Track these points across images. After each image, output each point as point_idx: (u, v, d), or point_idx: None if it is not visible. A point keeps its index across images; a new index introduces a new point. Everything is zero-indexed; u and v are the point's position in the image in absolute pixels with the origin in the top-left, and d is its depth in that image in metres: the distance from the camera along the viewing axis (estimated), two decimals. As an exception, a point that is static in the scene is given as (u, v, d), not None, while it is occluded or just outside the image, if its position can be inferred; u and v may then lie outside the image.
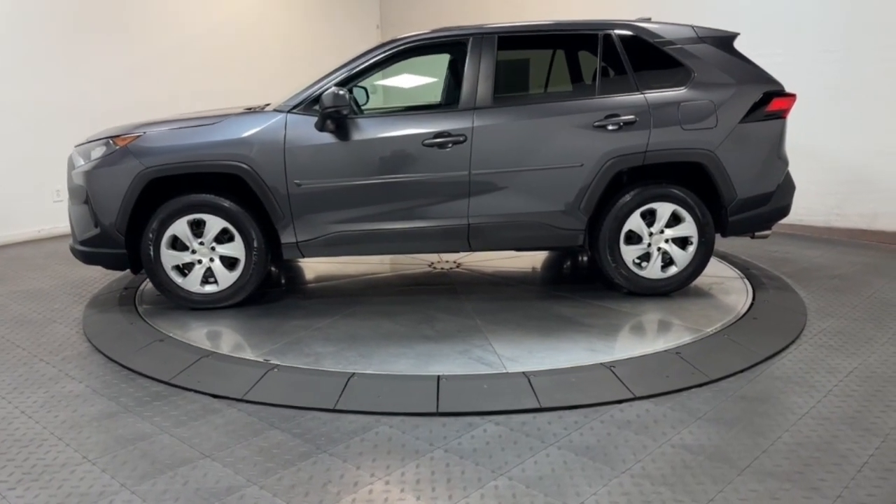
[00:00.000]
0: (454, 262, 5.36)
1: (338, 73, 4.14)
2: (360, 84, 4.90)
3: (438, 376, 3.09)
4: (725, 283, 4.67)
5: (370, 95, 5.41)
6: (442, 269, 5.21)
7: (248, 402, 2.98)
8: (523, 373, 3.14)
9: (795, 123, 4.81)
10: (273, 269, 5.28)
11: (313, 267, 5.33)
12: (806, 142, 6.32)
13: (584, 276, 5.03)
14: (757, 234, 4.48)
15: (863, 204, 6.37)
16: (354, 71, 4.14)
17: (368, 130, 4.07)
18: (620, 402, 2.94)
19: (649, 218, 4.27)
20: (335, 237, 4.12)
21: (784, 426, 2.73)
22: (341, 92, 3.88)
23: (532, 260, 5.48)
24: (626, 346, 3.50)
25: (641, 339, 3.64)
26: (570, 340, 3.57)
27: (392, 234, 4.14)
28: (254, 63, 8.70)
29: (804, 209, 6.45)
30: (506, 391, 2.99)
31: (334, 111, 3.90)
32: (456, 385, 3.03)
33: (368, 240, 4.15)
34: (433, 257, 5.46)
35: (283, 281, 5.00)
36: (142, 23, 7.56)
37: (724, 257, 5.44)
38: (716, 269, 4.95)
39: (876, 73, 6.10)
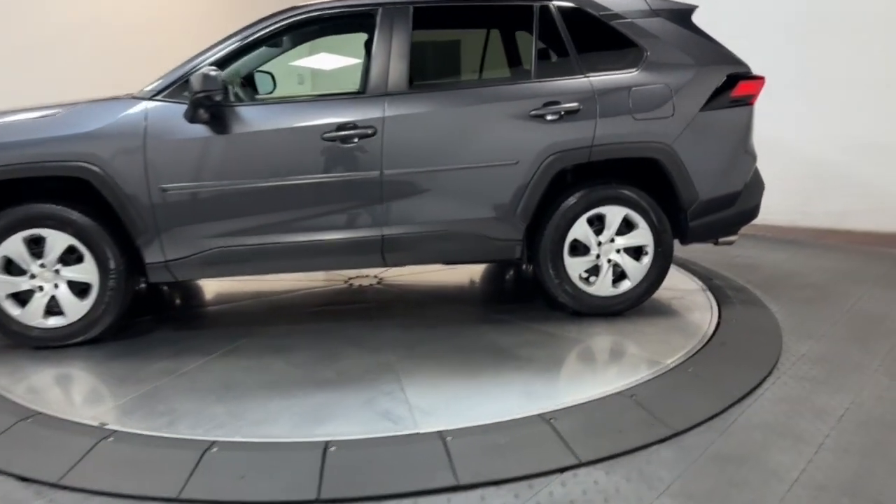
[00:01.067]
0: (375, 276, 4.68)
1: (214, 51, 3.41)
2: (262, 68, 4.23)
3: (326, 443, 2.41)
4: (686, 298, 4.11)
5: (302, 82, 4.73)
6: (360, 285, 4.52)
7: (64, 487, 2.25)
8: (439, 433, 2.48)
9: (756, 112, 4.29)
10: (161, 289, 4.51)
11: (212, 286, 4.59)
12: (768, 133, 5.81)
13: (530, 291, 4.42)
14: (721, 240, 3.93)
15: (830, 201, 5.94)
16: (234, 48, 3.42)
17: (254, 122, 3.36)
18: (563, 471, 2.31)
19: (598, 225, 3.67)
20: (215, 254, 3.39)
21: (770, 501, 2.15)
22: (213, 73, 3.16)
23: (469, 271, 4.85)
24: (570, 388, 2.88)
25: (589, 376, 3.03)
26: (503, 381, 2.93)
27: (288, 250, 3.44)
28: (164, 52, 7.83)
29: (766, 207, 5.94)
30: (414, 461, 2.33)
31: (205, 97, 3.18)
32: (348, 456, 2.35)
33: (258, 257, 3.44)
34: (351, 272, 4.77)
35: (175, 302, 4.24)
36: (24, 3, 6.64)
37: (684, 265, 4.90)
38: (674, 281, 4.40)
39: (845, 56, 5.66)
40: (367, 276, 4.70)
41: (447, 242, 3.56)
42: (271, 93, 4.38)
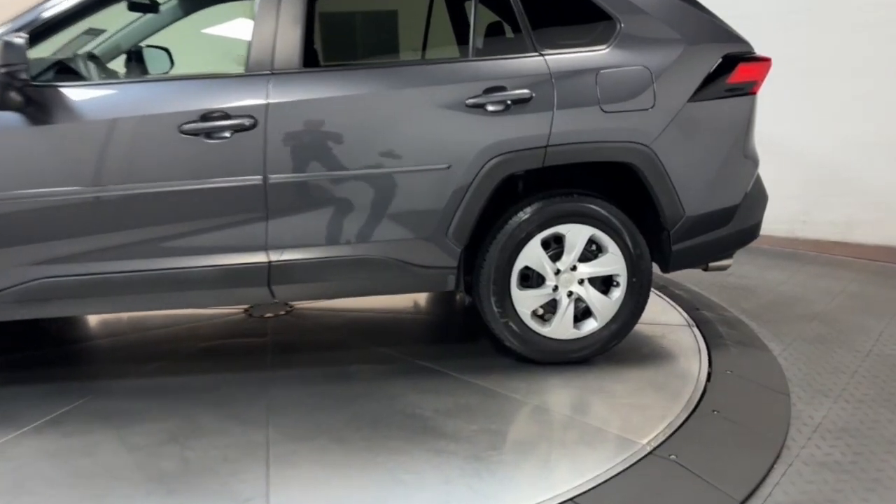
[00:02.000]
0: (285, 303, 3.87)
1: (28, 15, 2.57)
2: (155, 43, 3.45)
3: None
4: (667, 337, 3.36)
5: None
6: (263, 316, 3.72)
7: None
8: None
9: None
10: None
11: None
12: (765, 129, 5.10)
13: (478, 322, 3.64)
14: (712, 265, 3.18)
15: (835, 209, 5.24)
16: (56, 10, 2.58)
17: (89, 109, 2.53)
18: None
19: (555, 248, 2.90)
20: (36, 289, 2.57)
21: None
22: (17, 41, 2.33)
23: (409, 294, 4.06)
24: (503, 495, 2.10)
25: (534, 471, 2.26)
26: (414, 480, 2.15)
27: (138, 281, 2.63)
28: None
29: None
30: None
31: (5, 73, 2.35)
32: None
33: (98, 290, 2.63)
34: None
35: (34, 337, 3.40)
36: None
37: (665, 288, 4.15)
38: (653, 311, 3.64)
39: (853, 44, 4.94)
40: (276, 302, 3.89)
41: (355, 271, 2.77)
42: (167, 73, 3.56)
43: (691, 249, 2.99)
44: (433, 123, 2.69)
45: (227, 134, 2.56)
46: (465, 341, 3.35)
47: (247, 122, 2.56)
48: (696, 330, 3.45)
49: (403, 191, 2.71)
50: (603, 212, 2.86)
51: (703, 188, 2.92)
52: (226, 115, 2.56)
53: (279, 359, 3.15)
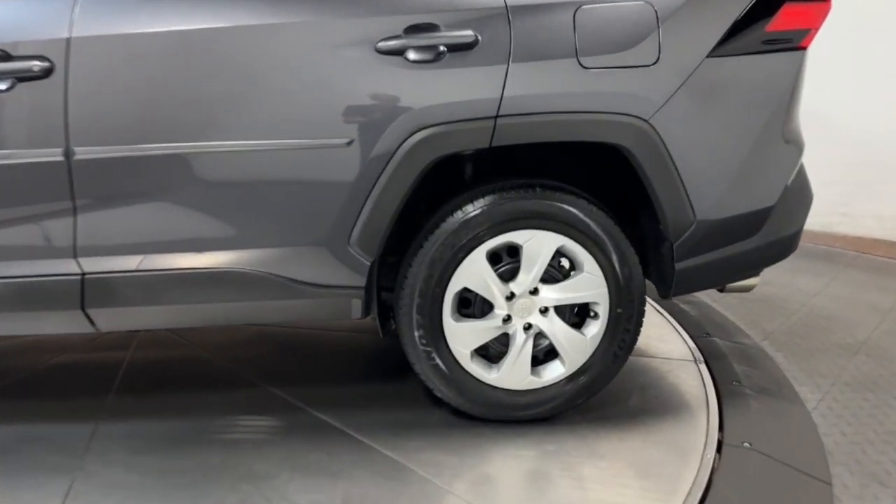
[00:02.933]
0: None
1: None
2: None
3: None
4: (665, 379, 2.57)
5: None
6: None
7: None
8: None
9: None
10: None
11: None
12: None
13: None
14: (731, 287, 2.38)
15: (882, 199, 4.40)
16: None
17: None
18: None
19: (509, 262, 2.09)
20: None
21: None
22: None
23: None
24: None
25: None
26: None
27: None
28: None
29: (793, 206, 4.42)
30: None
31: None
32: None
33: None
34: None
35: None
36: None
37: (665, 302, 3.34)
38: (650, 336, 2.86)
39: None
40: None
41: (212, 292, 1.97)
42: None
43: (703, 268, 2.18)
44: (326, 76, 1.86)
45: (2, 85, 1.74)
46: (396, 378, 2.55)
47: (36, 66, 1.74)
48: (703, 368, 2.66)
49: (282, 176, 1.91)
50: (577, 213, 2.04)
51: (724, 183, 2.10)
52: (4, 54, 1.73)
53: (127, 391, 2.38)
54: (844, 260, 4.32)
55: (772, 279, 3.85)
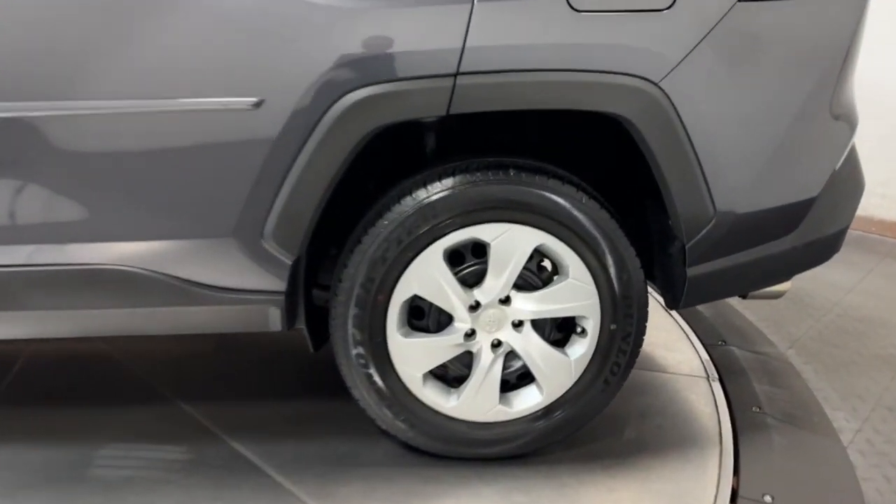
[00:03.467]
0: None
1: None
2: None
3: None
4: (671, 399, 2.15)
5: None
6: None
7: None
8: None
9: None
10: None
11: None
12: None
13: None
14: (756, 294, 1.93)
15: (929, 182, 3.92)
16: None
17: None
18: None
19: (473, 264, 1.65)
20: None
21: None
22: None
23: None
24: None
25: None
26: None
27: None
28: None
29: (826, 186, 3.93)
30: None
31: None
32: None
33: None
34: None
35: None
36: None
37: (677, 297, 2.90)
38: (653, 341, 2.44)
39: None
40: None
41: (80, 294, 1.54)
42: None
43: (721, 275, 1.74)
44: (224, 13, 1.40)
45: None
46: (339, 398, 2.13)
47: None
48: (717, 388, 2.23)
49: (168, 148, 1.46)
50: (562, 203, 1.59)
51: (755, 167, 1.65)
52: None
53: (10, 402, 1.98)
54: (883, 248, 3.85)
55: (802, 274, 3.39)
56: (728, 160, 1.60)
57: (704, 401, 2.14)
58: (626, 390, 2.05)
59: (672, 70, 1.49)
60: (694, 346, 2.48)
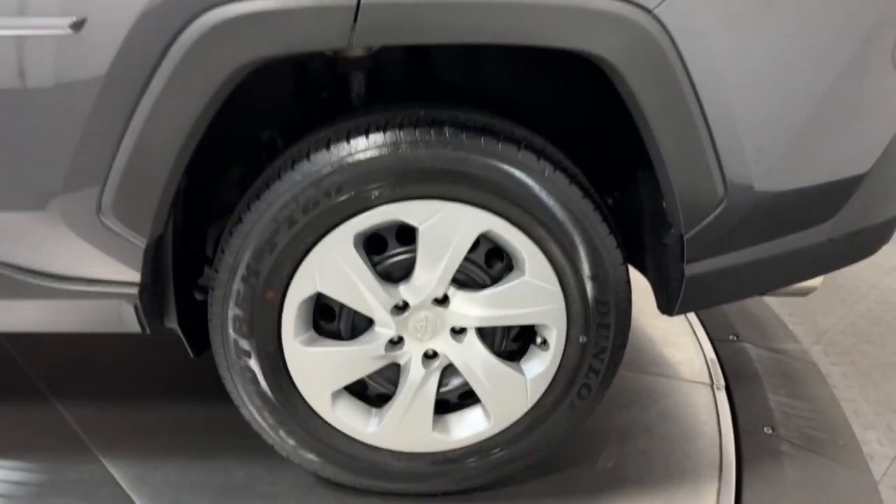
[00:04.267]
0: None
1: None
2: None
3: None
4: (664, 413, 1.76)
5: None
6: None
7: None
8: None
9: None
10: None
11: None
12: None
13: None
14: (777, 292, 1.51)
15: None
16: None
17: None
18: None
19: (400, 252, 1.24)
20: None
21: None
22: None
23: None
24: None
25: None
26: None
27: None
28: None
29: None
30: None
31: None
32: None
33: None
34: None
35: None
36: None
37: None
38: (647, 334, 2.03)
39: None
40: None
41: None
42: None
43: (731, 274, 1.32)
44: None
45: None
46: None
47: None
48: (722, 399, 1.83)
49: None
50: (517, 175, 1.17)
51: (785, 134, 1.21)
52: None
53: None
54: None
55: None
56: (748, 122, 1.17)
57: (705, 417, 1.75)
58: (609, 400, 1.66)
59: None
60: (699, 341, 2.08)
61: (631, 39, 1.07)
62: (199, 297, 1.39)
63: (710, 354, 2.03)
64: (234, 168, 1.45)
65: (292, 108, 1.44)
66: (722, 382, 1.90)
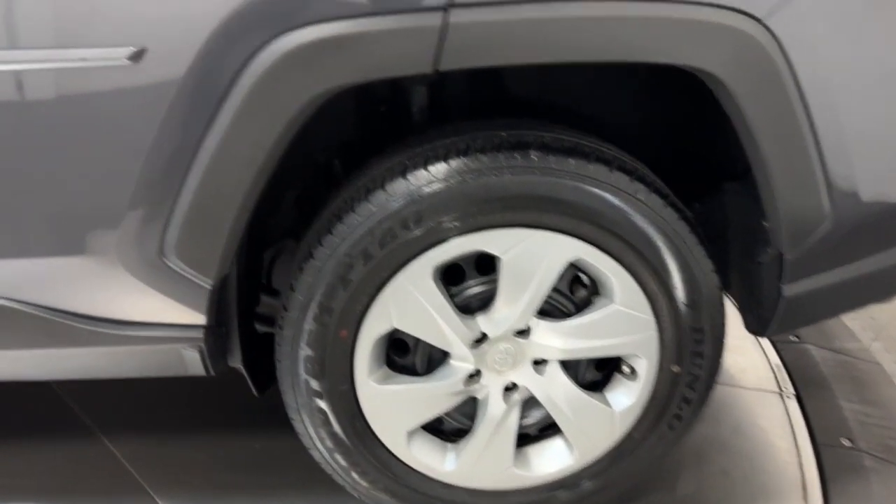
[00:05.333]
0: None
1: None
2: None
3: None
4: (736, 426, 1.69)
5: None
6: None
7: None
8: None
9: None
10: None
11: None
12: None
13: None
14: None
15: None
16: None
17: None
18: None
19: (480, 283, 1.15)
20: None
21: None
22: None
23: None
24: None
25: None
26: None
27: None
28: None
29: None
30: None
31: None
32: None
33: None
34: None
35: None
36: None
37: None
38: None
39: None
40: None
41: None
42: None
43: (831, 292, 1.23)
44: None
45: None
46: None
47: None
48: (794, 406, 1.76)
49: (11, 123, 0.96)
50: (611, 200, 1.08)
51: (893, 144, 1.11)
52: None
53: None
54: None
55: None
56: (857, 134, 1.09)
57: (780, 430, 1.68)
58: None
59: (784, 4, 0.96)
60: (761, 345, 2.00)
61: (739, 51, 0.98)
62: (260, 328, 1.31)
63: (775, 359, 1.95)
64: (288, 191, 1.35)
65: (349, 126, 1.34)
66: (791, 390, 1.83)
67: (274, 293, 1.35)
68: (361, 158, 1.22)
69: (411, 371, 1.23)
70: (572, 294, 1.21)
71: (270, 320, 1.30)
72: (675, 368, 1.22)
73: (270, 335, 1.24)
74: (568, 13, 0.95)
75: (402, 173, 1.08)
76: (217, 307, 1.13)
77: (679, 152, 1.34)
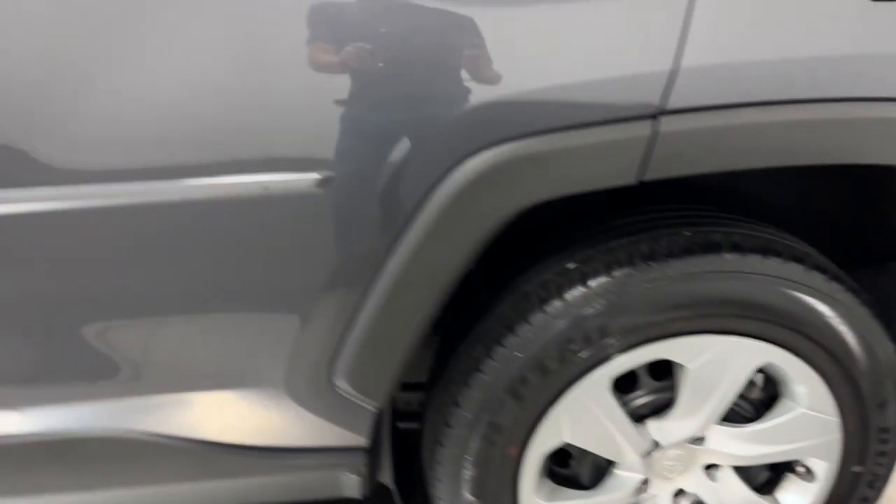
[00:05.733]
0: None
1: None
2: None
3: None
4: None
5: None
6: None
7: None
8: None
9: None
10: None
11: None
12: None
13: None
14: None
15: None
16: None
17: None
18: None
19: (653, 391, 1.07)
20: None
21: None
22: None
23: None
24: None
25: None
26: None
27: None
28: None
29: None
30: None
31: None
32: None
33: None
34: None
35: None
36: None
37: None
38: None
39: None
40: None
41: (47, 472, 0.99)
42: None
43: None
44: (260, 37, 0.79)
45: None
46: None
47: None
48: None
49: (182, 255, 0.87)
50: (810, 303, 1.00)
51: None
52: None
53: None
54: None
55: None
56: None
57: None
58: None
59: None
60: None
61: None
62: (401, 426, 1.22)
63: None
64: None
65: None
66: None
67: (408, 387, 1.26)
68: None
69: (574, 482, 1.14)
70: (748, 399, 1.12)
71: (410, 415, 1.22)
72: (858, 469, 1.13)
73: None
74: (782, 117, 0.86)
75: (582, 280, 0.99)
76: (374, 433, 1.04)
77: (845, 233, 1.26)
